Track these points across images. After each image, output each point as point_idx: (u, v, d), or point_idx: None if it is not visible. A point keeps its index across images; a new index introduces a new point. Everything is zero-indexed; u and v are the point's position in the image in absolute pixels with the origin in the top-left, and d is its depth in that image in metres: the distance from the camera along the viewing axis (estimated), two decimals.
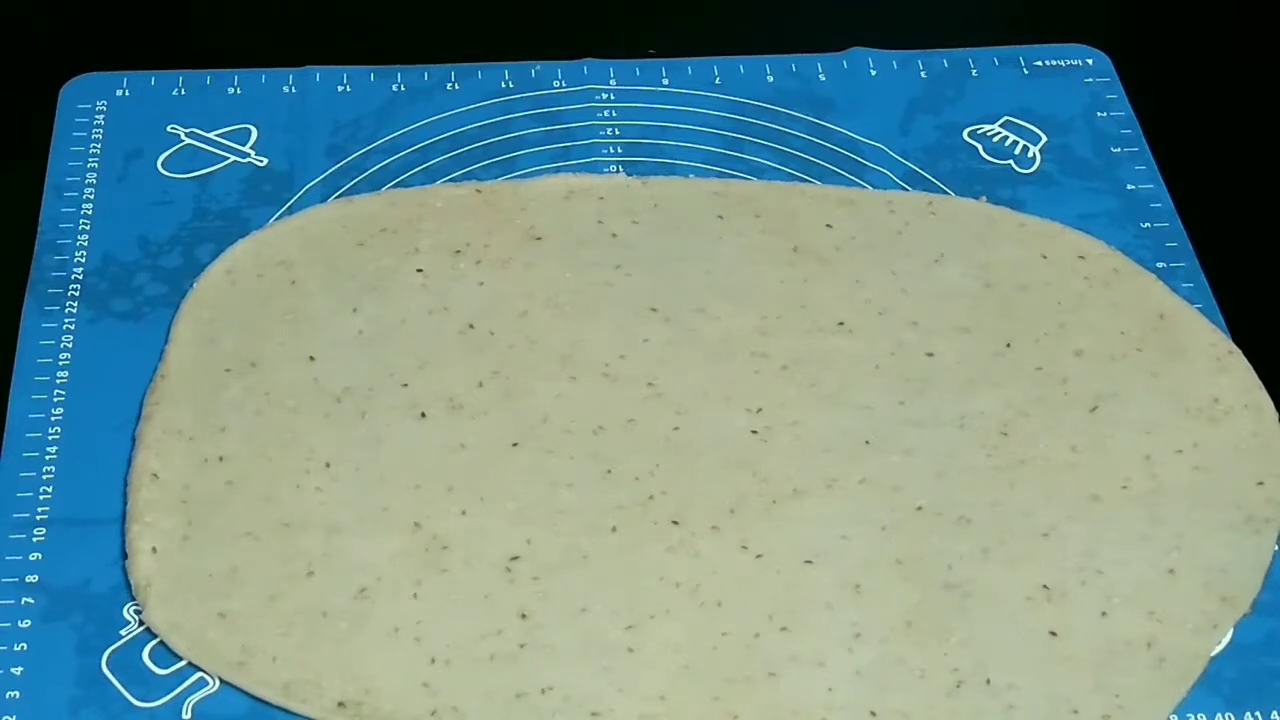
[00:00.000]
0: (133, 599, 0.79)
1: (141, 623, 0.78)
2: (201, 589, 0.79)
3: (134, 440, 0.84)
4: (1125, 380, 0.88)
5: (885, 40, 1.06)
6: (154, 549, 0.80)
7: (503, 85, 1.03)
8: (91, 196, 0.96)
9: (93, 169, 0.97)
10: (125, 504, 0.82)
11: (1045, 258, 0.94)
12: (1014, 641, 0.78)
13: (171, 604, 0.79)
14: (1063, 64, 1.04)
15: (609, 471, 0.84)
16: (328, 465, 0.84)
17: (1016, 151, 1.00)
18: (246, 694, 0.76)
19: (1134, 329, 0.90)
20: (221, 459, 0.84)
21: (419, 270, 0.92)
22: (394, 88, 1.02)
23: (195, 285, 0.91)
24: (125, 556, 0.80)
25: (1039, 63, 1.05)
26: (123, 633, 0.78)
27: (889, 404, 0.87)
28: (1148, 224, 0.96)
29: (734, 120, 1.01)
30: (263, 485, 0.83)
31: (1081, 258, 0.94)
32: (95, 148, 0.98)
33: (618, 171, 0.98)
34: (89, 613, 0.79)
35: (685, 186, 0.97)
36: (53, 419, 0.86)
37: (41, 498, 0.83)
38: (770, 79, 1.03)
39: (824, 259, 0.93)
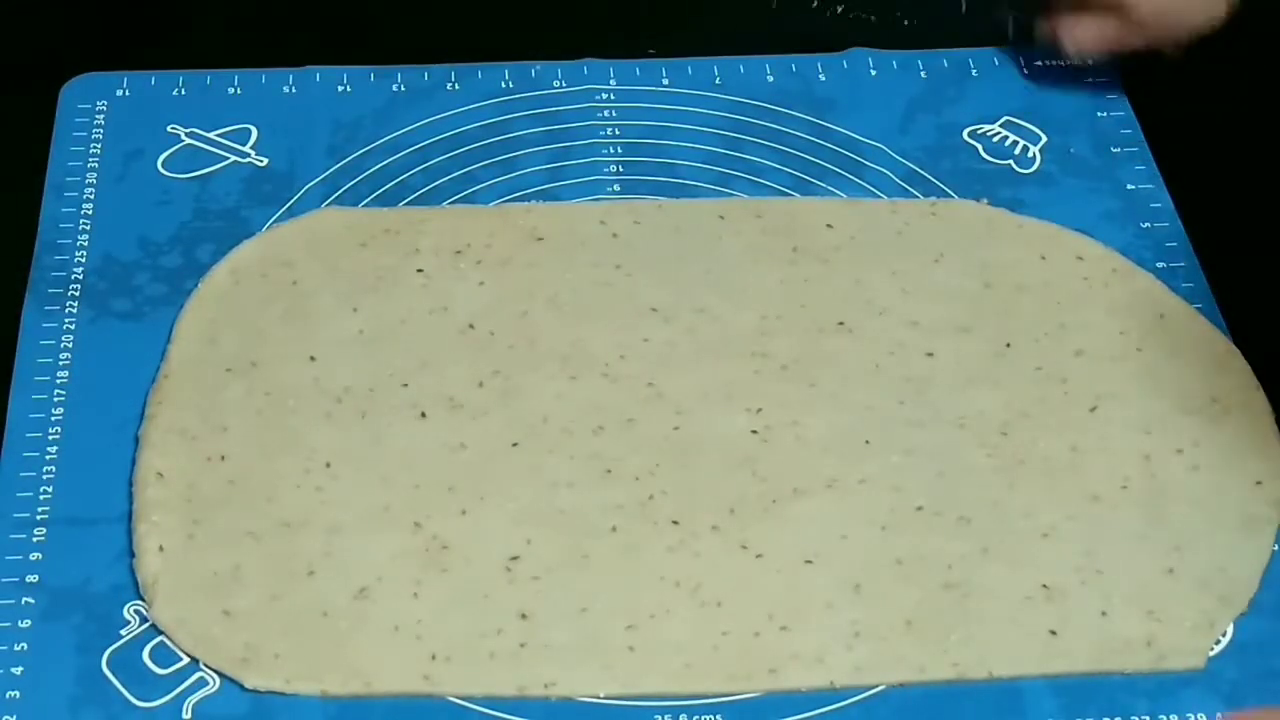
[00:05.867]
0: (134, 598, 0.79)
1: (142, 622, 0.78)
2: (206, 587, 0.79)
3: (136, 440, 0.84)
4: (1125, 380, 0.88)
5: (885, 40, 1.06)
6: (160, 547, 0.80)
7: (502, 85, 1.02)
8: (91, 196, 0.96)
9: (93, 169, 0.97)
10: (127, 503, 0.82)
11: (1044, 258, 0.94)
12: (1014, 641, 0.78)
13: (177, 602, 0.79)
14: (1063, 64, 1.04)
15: (609, 471, 0.84)
16: (328, 465, 0.84)
17: (1016, 151, 1.00)
18: (247, 693, 0.76)
19: (1133, 329, 0.90)
20: (223, 458, 0.84)
21: (420, 270, 0.92)
22: (394, 88, 1.02)
23: (200, 285, 0.91)
24: (131, 555, 0.80)
25: (1039, 62, 1.05)
26: (123, 632, 0.78)
27: (889, 404, 0.87)
28: (1148, 224, 0.96)
29: (734, 120, 1.01)
30: (264, 485, 0.83)
31: (1081, 258, 0.94)
32: (95, 148, 0.98)
33: (618, 171, 0.98)
34: (89, 612, 0.79)
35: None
36: (53, 419, 0.85)
37: (41, 497, 0.83)
38: (770, 79, 1.03)
39: (824, 259, 0.93)
